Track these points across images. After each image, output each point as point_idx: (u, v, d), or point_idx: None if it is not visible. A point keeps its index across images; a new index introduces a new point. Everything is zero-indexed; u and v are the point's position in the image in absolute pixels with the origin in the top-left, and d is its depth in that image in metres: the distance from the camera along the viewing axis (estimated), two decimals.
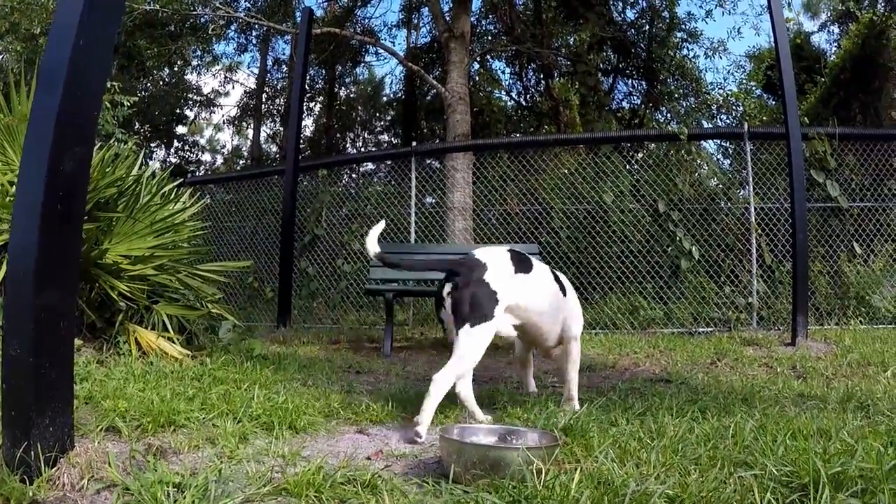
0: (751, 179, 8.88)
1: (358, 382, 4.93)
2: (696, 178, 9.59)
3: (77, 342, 4.27)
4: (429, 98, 21.58)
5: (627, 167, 9.80)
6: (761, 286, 8.66)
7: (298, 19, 15.43)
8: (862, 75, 14.90)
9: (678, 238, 8.94)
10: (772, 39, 8.26)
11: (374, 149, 25.88)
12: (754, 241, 8.72)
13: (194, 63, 22.32)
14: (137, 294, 4.73)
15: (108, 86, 10.33)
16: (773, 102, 19.85)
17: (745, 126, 9.24)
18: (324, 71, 23.56)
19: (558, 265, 9.27)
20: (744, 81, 19.58)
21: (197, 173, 25.75)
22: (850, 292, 8.54)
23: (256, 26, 18.28)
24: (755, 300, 8.55)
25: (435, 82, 14.71)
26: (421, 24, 22.05)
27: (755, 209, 8.86)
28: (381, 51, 19.59)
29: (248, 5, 18.45)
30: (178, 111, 23.98)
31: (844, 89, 15.21)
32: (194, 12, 16.29)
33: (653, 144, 10.36)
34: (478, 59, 18.52)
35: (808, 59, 18.52)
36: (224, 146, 30.80)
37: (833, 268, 8.79)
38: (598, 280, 9.16)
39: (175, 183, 6.27)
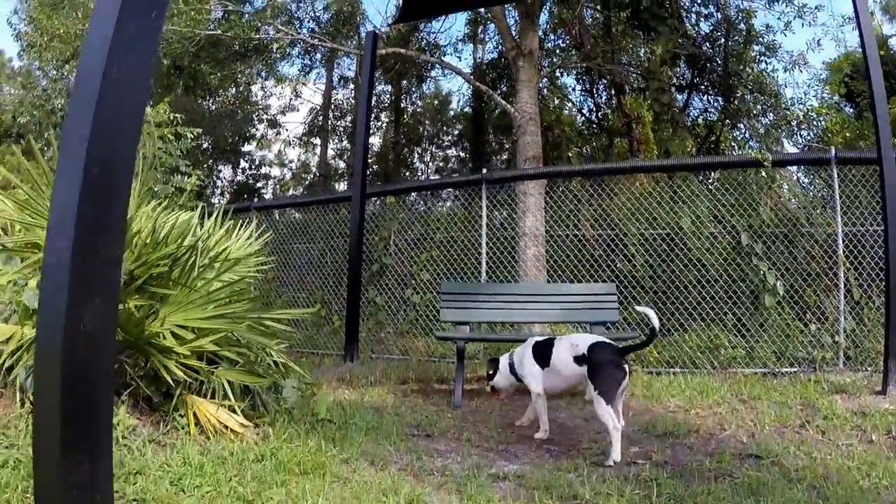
0: (838, 208, 8.37)
1: (427, 455, 4.75)
2: (777, 201, 9.13)
3: (133, 421, 4.14)
4: (497, 113, 21.26)
5: (705, 189, 9.37)
6: (849, 324, 8.16)
7: (363, 37, 15.32)
8: None
9: (762, 272, 8.48)
10: (850, 49, 7.76)
11: (441, 163, 25.83)
12: (842, 275, 8.22)
13: (259, 84, 22.55)
14: (195, 365, 4.54)
15: (171, 118, 10.38)
16: (851, 110, 19.04)
17: (833, 151, 8.72)
18: (390, 87, 23.52)
19: (634, 293, 8.92)
20: (825, 97, 18.72)
21: (264, 189, 25.96)
22: None
23: (321, 47, 18.23)
24: (842, 339, 8.07)
25: (504, 102, 14.45)
26: (487, 39, 21.74)
27: (842, 238, 8.36)
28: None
29: (313, 26, 18.42)
30: (243, 130, 24.16)
31: None
32: (257, 36, 16.30)
33: None
34: (547, 75, 18.16)
35: (887, 63, 17.69)
36: (292, 161, 30.98)
37: None
38: (675, 311, 8.76)
39: (236, 240, 6.09)
